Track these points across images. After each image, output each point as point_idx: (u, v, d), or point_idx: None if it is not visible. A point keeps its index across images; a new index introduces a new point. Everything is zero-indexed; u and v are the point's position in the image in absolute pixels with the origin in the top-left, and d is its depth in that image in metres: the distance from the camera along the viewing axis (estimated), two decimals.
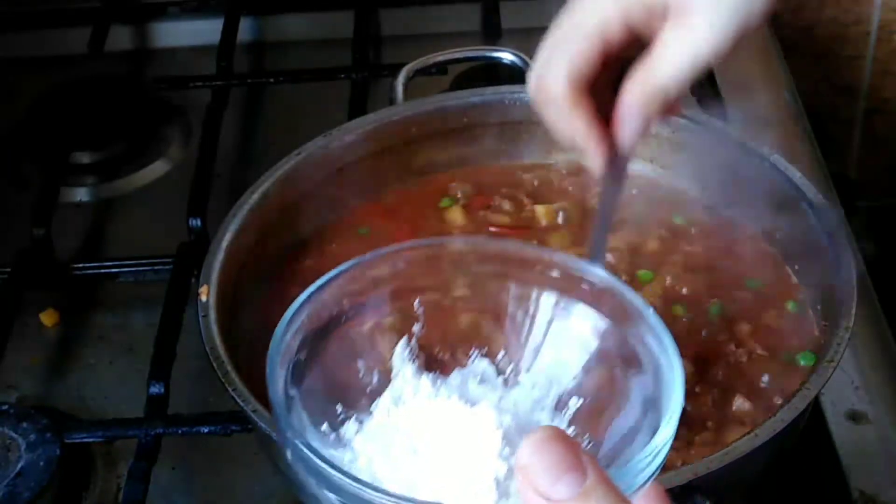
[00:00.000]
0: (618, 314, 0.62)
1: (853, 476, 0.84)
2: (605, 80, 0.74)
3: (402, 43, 1.31)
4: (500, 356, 0.64)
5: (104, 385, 0.98)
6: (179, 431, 0.87)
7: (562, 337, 0.63)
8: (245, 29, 1.31)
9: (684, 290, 0.88)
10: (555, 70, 0.74)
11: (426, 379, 0.60)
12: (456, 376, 0.61)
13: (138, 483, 0.84)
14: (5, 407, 0.88)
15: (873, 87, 1.53)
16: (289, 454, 0.54)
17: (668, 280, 0.88)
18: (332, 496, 0.50)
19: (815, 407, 0.87)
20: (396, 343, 0.64)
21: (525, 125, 1.00)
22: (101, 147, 1.20)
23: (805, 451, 0.83)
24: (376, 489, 0.49)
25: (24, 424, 0.86)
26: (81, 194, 1.17)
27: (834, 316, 0.79)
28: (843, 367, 0.86)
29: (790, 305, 0.87)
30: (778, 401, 0.80)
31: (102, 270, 1.05)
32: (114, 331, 1.02)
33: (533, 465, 0.45)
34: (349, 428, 0.59)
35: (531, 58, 1.05)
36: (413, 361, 0.62)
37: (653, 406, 0.56)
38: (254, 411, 0.76)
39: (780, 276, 0.90)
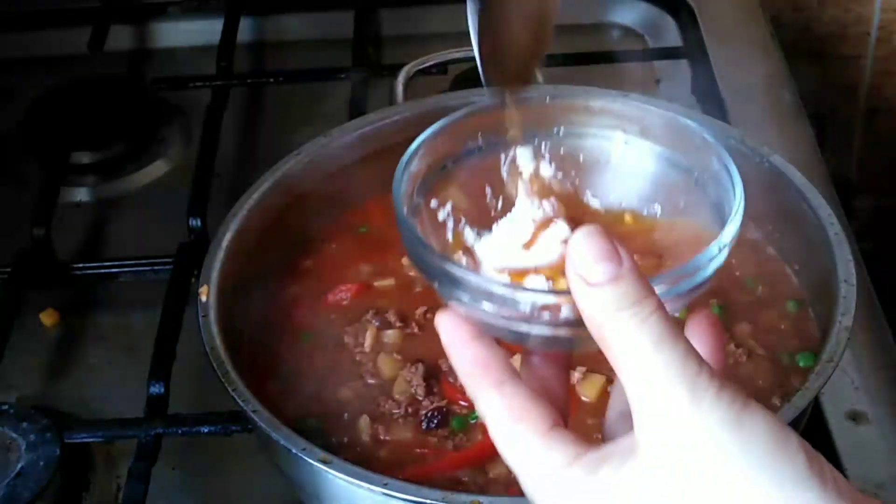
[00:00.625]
0: (675, 140, 0.64)
1: (853, 476, 0.84)
2: None
3: (402, 43, 1.31)
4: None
5: (104, 385, 0.98)
6: (179, 431, 0.87)
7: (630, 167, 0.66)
8: (245, 29, 1.32)
9: None
10: None
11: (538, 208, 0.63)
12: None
13: (138, 483, 0.84)
14: (5, 407, 0.88)
15: (873, 87, 1.53)
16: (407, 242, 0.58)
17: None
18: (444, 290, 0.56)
19: (815, 407, 0.87)
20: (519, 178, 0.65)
21: (525, 125, 1.00)
22: (101, 147, 1.20)
23: None
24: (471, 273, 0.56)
25: (24, 424, 0.87)
26: (81, 194, 1.17)
27: (834, 316, 0.79)
28: (843, 367, 0.86)
29: (790, 305, 0.87)
30: (778, 401, 0.80)
31: (102, 270, 1.05)
32: (114, 331, 1.02)
33: (576, 251, 0.52)
34: (468, 234, 0.63)
35: None
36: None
37: (718, 214, 0.60)
38: (254, 411, 0.76)
39: (780, 276, 0.90)
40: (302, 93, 1.24)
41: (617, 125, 0.66)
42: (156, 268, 1.03)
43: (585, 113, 0.67)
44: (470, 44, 1.16)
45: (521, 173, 0.65)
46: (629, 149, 0.65)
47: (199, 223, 1.03)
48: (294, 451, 0.73)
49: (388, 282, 0.91)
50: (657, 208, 0.65)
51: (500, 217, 0.63)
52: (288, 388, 0.84)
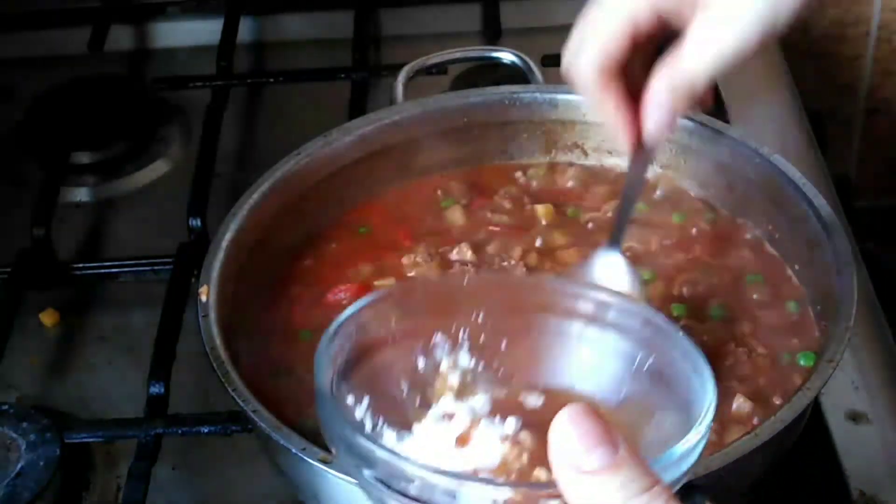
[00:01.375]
0: (644, 335, 0.63)
1: (853, 476, 0.84)
2: (640, 61, 0.75)
3: (402, 43, 1.31)
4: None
5: (104, 385, 0.98)
6: (179, 431, 0.87)
7: (592, 360, 0.65)
8: (245, 29, 1.32)
9: (684, 291, 0.88)
10: (585, 54, 0.76)
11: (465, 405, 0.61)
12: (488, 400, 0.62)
13: (138, 483, 0.84)
14: (5, 407, 0.88)
15: (873, 87, 1.53)
16: (334, 434, 0.56)
17: (669, 280, 0.88)
18: (373, 479, 0.52)
19: (815, 407, 0.87)
20: (440, 366, 0.64)
21: (525, 125, 1.00)
22: (101, 147, 1.20)
23: (805, 451, 0.83)
24: (415, 463, 0.52)
25: (24, 424, 0.87)
26: (81, 194, 1.17)
27: (834, 316, 0.79)
28: (843, 367, 0.86)
29: (790, 305, 0.87)
30: (778, 401, 0.80)
31: (102, 270, 1.05)
32: (114, 331, 1.02)
33: (566, 435, 0.46)
34: (387, 437, 0.60)
35: (531, 58, 1.06)
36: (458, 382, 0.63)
37: (686, 414, 0.57)
38: (254, 411, 0.76)
39: (780, 276, 0.90)
40: (302, 93, 1.24)
41: (575, 314, 0.64)
42: (156, 268, 1.03)
43: (546, 295, 0.65)
44: (470, 44, 1.16)
45: (446, 370, 0.63)
46: (585, 338, 0.64)
47: (199, 223, 1.03)
48: (294, 451, 0.73)
49: (388, 282, 0.91)
50: (614, 397, 0.62)
51: (419, 414, 0.60)
52: (288, 388, 0.84)
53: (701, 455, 0.55)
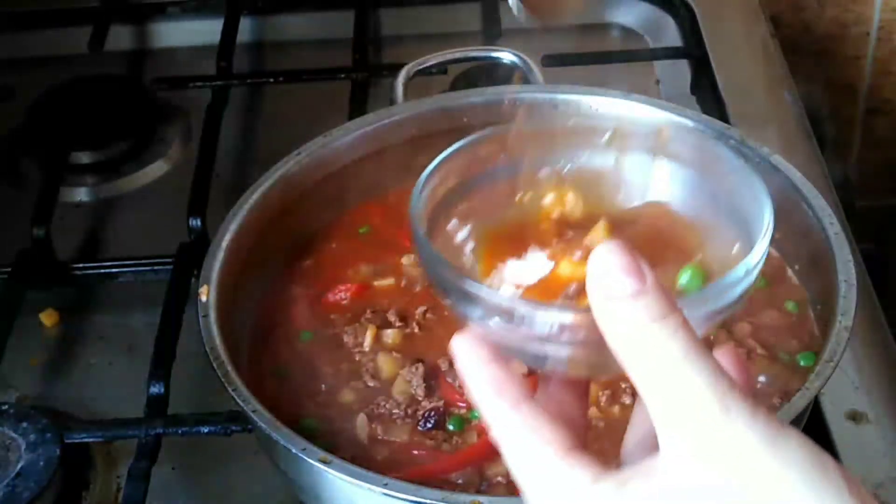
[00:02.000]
0: (697, 157, 0.63)
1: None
2: None
3: (402, 43, 1.31)
4: None
5: (104, 385, 0.98)
6: (179, 431, 0.87)
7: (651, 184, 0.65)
8: (245, 29, 1.32)
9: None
10: None
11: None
12: None
13: (138, 483, 0.84)
14: (5, 407, 0.88)
15: (873, 87, 1.53)
16: (426, 263, 0.58)
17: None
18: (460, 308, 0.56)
19: (815, 407, 0.87)
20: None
21: (525, 125, 1.00)
22: (101, 147, 1.20)
23: None
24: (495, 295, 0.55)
25: (24, 424, 0.87)
26: (81, 194, 1.17)
27: (834, 316, 0.79)
28: (843, 367, 0.86)
29: (790, 305, 0.87)
30: (777, 401, 0.80)
31: (102, 270, 1.05)
32: (114, 331, 1.02)
33: (597, 266, 0.51)
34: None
35: (531, 58, 1.06)
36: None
37: (745, 236, 0.59)
38: (254, 411, 0.76)
39: (780, 276, 0.90)
40: (302, 93, 1.24)
41: (640, 146, 0.64)
42: (156, 268, 1.03)
43: (609, 135, 0.65)
44: (470, 44, 1.16)
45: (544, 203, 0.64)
46: (653, 169, 0.64)
47: (199, 223, 1.03)
48: (294, 451, 0.73)
49: (388, 282, 0.91)
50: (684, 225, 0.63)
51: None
52: (287, 389, 0.84)
53: (749, 289, 0.56)
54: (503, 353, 0.55)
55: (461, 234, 0.62)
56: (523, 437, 0.53)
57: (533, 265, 0.60)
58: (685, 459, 0.49)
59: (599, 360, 0.52)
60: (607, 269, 0.50)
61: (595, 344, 0.52)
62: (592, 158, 0.65)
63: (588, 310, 0.51)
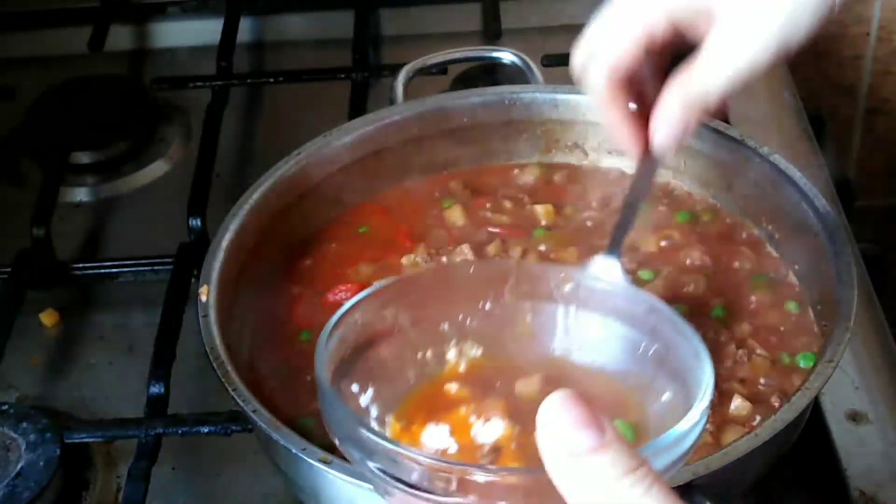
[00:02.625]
0: (648, 322, 0.64)
1: (853, 476, 0.84)
2: (652, 69, 0.74)
3: (402, 43, 1.31)
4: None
5: (104, 385, 0.98)
6: (179, 431, 0.87)
7: (597, 345, 0.65)
8: (245, 29, 1.32)
9: (685, 291, 0.88)
10: (597, 62, 0.75)
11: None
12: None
13: (138, 483, 0.84)
14: (5, 407, 0.88)
15: (873, 87, 1.53)
16: (335, 426, 0.56)
17: (669, 280, 0.88)
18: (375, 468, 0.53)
19: (815, 407, 0.87)
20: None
21: (525, 125, 1.00)
22: (101, 147, 1.20)
23: (805, 451, 0.83)
24: (413, 452, 0.53)
25: (24, 424, 0.87)
26: (81, 194, 1.17)
27: (834, 316, 0.79)
28: (843, 367, 0.86)
29: (790, 305, 0.87)
30: (777, 402, 0.80)
31: (102, 270, 1.05)
32: (114, 331, 1.02)
33: (554, 417, 0.47)
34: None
35: (531, 58, 1.06)
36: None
37: (684, 396, 0.58)
38: (254, 411, 0.76)
39: (780, 276, 0.90)
40: (302, 93, 1.24)
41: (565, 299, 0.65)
42: (156, 268, 1.03)
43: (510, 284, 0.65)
44: (470, 44, 1.16)
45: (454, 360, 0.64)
46: (578, 322, 0.64)
47: (199, 223, 1.03)
48: (294, 451, 0.73)
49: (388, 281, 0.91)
50: (620, 377, 0.63)
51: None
52: (288, 388, 0.84)
53: (698, 440, 0.55)
54: None
55: (364, 399, 0.61)
56: None
57: (438, 439, 0.58)
58: None
59: None
60: (562, 421, 0.46)
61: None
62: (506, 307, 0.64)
63: (519, 469, 0.49)
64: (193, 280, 0.98)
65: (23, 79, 1.29)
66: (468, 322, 0.65)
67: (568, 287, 0.66)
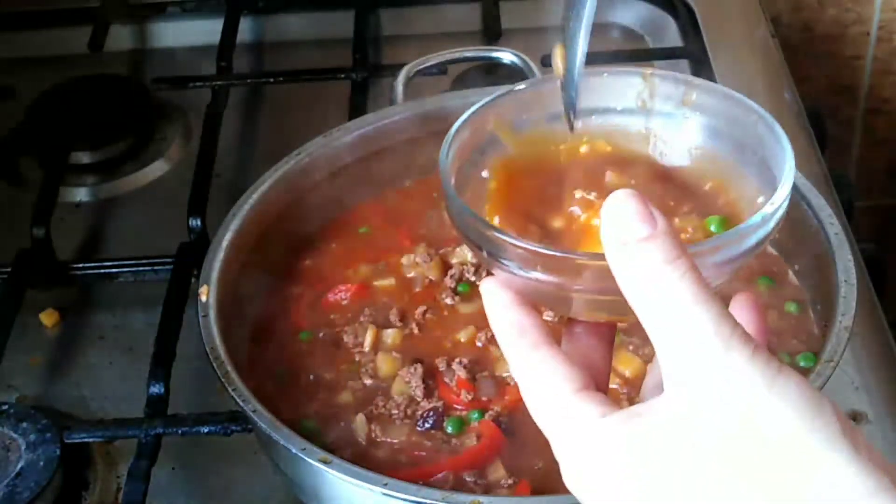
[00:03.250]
0: (722, 110, 0.64)
1: None
2: None
3: (402, 43, 1.31)
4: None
5: (104, 385, 0.98)
6: (179, 431, 0.87)
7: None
8: (245, 29, 1.32)
9: None
10: None
11: None
12: None
13: (138, 483, 0.84)
14: (5, 407, 0.88)
15: (873, 87, 1.53)
16: (455, 215, 0.59)
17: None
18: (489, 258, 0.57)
19: None
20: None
21: None
22: (101, 147, 1.20)
23: None
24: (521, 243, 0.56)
25: (24, 424, 0.87)
26: (81, 194, 1.17)
27: (834, 316, 0.79)
28: (843, 367, 0.86)
29: (790, 306, 0.87)
30: None
31: (102, 270, 1.05)
32: (114, 331, 1.02)
33: (610, 212, 0.52)
34: None
35: (531, 58, 1.06)
36: None
37: (770, 188, 0.59)
38: (254, 411, 0.76)
39: (780, 276, 0.90)
40: (302, 93, 1.24)
41: (668, 100, 0.65)
42: (156, 268, 1.03)
43: (637, 90, 0.66)
44: (470, 44, 1.16)
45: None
46: (682, 124, 0.65)
47: (199, 223, 1.03)
48: (294, 450, 0.73)
49: (388, 282, 0.91)
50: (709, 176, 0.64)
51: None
52: (287, 388, 0.84)
53: (763, 241, 0.56)
54: (529, 298, 0.57)
55: (492, 183, 0.63)
56: (539, 375, 0.56)
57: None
58: (686, 394, 0.51)
59: (619, 305, 0.53)
60: (620, 214, 0.52)
61: (613, 289, 0.53)
62: (622, 114, 0.66)
63: (603, 256, 0.53)
64: (193, 280, 0.98)
65: (23, 79, 1.29)
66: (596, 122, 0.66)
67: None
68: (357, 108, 1.13)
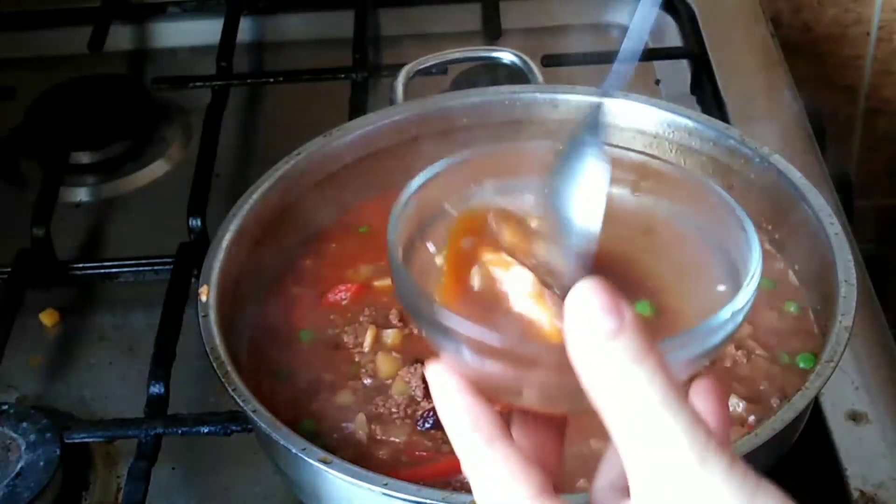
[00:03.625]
0: (681, 192, 0.62)
1: (853, 476, 0.84)
2: None
3: (402, 43, 1.31)
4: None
5: (104, 385, 0.98)
6: (179, 431, 0.87)
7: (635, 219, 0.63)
8: (245, 29, 1.32)
9: None
10: None
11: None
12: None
13: (138, 483, 0.84)
14: (5, 407, 0.88)
15: (873, 87, 1.53)
16: (406, 301, 0.56)
17: None
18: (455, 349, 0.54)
19: (815, 407, 0.87)
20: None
21: (525, 125, 1.00)
22: (101, 147, 1.20)
23: (805, 451, 0.83)
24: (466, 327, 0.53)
25: (24, 424, 0.87)
26: (81, 194, 1.17)
27: (834, 316, 0.79)
28: (843, 367, 0.86)
29: (790, 306, 0.87)
30: (777, 402, 0.80)
31: (102, 270, 1.05)
32: (114, 331, 1.02)
33: (574, 303, 0.49)
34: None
35: (531, 58, 1.06)
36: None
37: (731, 280, 0.57)
38: (254, 411, 0.76)
39: (781, 276, 0.90)
40: (302, 93, 1.24)
41: (623, 177, 0.62)
42: (156, 268, 1.03)
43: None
44: (470, 44, 1.15)
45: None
46: (635, 200, 0.62)
47: (199, 223, 1.03)
48: (294, 451, 0.73)
49: (388, 282, 0.91)
50: (663, 261, 0.61)
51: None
52: (287, 388, 0.84)
53: (725, 340, 0.54)
54: (479, 386, 0.54)
55: (440, 259, 0.60)
56: (495, 476, 0.52)
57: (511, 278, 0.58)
58: None
59: (577, 398, 0.50)
60: (584, 307, 0.48)
61: (573, 383, 0.50)
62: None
63: (561, 345, 0.50)
64: (193, 280, 0.98)
65: (23, 79, 1.29)
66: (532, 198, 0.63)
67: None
68: (357, 108, 1.13)
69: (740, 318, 0.54)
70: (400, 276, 0.56)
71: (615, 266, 0.60)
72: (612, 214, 0.60)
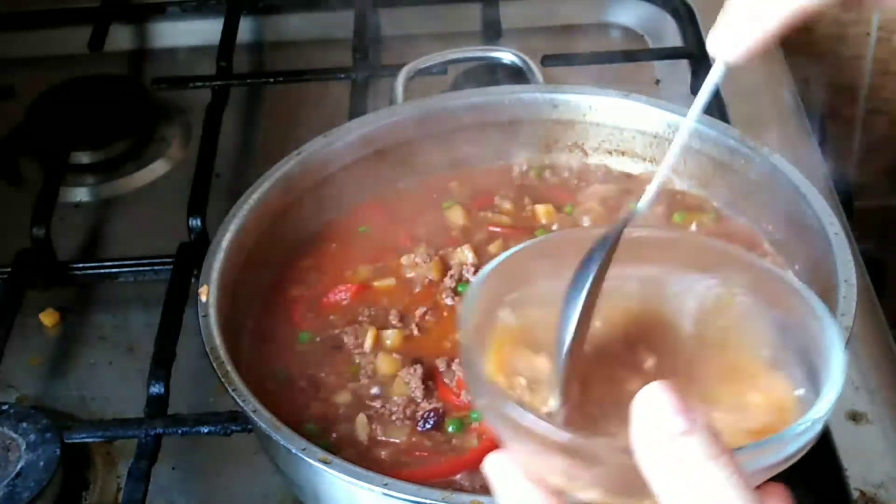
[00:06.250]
0: (763, 293, 0.61)
1: (853, 476, 0.84)
2: None
3: (402, 43, 1.31)
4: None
5: (104, 385, 0.98)
6: (179, 431, 0.87)
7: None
8: (245, 29, 1.32)
9: None
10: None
11: None
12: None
13: (138, 483, 0.84)
14: (5, 407, 0.88)
15: (873, 87, 1.53)
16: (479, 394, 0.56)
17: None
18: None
19: None
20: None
21: (525, 125, 1.00)
22: (101, 147, 1.20)
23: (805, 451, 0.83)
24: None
25: (24, 424, 0.87)
26: (81, 194, 1.17)
27: (834, 316, 0.79)
28: None
29: None
30: None
31: (102, 270, 1.05)
32: (114, 331, 1.02)
33: (646, 404, 0.49)
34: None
35: (531, 58, 1.06)
36: None
37: (812, 383, 0.56)
38: (254, 411, 0.76)
39: None
40: (302, 93, 1.24)
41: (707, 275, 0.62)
42: (156, 268, 1.03)
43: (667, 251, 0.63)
44: (470, 44, 1.16)
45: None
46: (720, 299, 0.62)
47: (199, 223, 1.03)
48: (294, 450, 0.73)
49: (388, 282, 0.91)
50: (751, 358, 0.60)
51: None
52: (287, 389, 0.84)
53: (806, 445, 0.53)
54: (537, 474, 0.54)
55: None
56: None
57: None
58: None
59: (640, 493, 0.50)
60: (656, 407, 0.49)
61: (637, 483, 0.50)
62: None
63: (626, 447, 0.50)
64: (193, 280, 0.98)
65: (23, 79, 1.29)
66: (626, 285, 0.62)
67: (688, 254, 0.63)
68: (357, 108, 1.13)
69: (817, 428, 0.53)
70: (473, 371, 0.56)
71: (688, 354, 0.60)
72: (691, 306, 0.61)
